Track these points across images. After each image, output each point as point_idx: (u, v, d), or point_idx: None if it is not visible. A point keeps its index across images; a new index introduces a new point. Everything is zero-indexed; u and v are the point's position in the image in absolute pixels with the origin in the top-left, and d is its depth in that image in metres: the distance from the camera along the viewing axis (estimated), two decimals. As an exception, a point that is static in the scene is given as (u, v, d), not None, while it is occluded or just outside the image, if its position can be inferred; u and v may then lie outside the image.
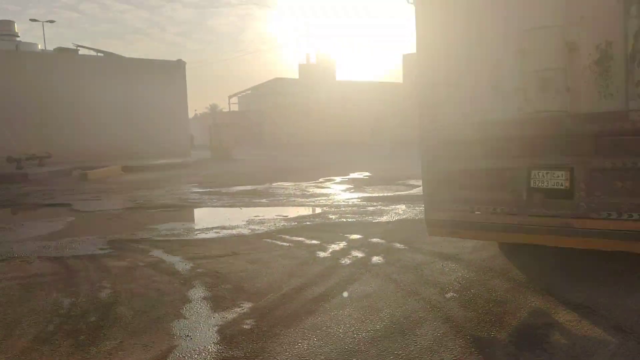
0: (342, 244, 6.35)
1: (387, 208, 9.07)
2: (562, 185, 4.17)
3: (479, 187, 4.62)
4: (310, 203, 10.08)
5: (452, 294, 4.31)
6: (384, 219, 8.04)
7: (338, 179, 14.63)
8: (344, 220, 8.06)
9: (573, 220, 4.10)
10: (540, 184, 4.28)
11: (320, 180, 14.34)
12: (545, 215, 4.25)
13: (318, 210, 9.20)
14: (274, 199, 10.85)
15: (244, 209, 9.87)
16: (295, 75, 64.79)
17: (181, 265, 5.73)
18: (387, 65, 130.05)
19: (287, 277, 5.00)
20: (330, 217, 8.39)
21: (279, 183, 13.89)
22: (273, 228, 7.63)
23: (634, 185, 3.85)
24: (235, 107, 60.75)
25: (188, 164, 20.28)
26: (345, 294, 4.44)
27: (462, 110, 4.69)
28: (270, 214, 8.95)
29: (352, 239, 6.62)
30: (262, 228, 7.66)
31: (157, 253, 6.39)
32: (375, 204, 9.64)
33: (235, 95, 58.74)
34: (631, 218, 3.85)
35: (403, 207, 9.16)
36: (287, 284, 4.80)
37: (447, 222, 4.83)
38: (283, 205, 10.04)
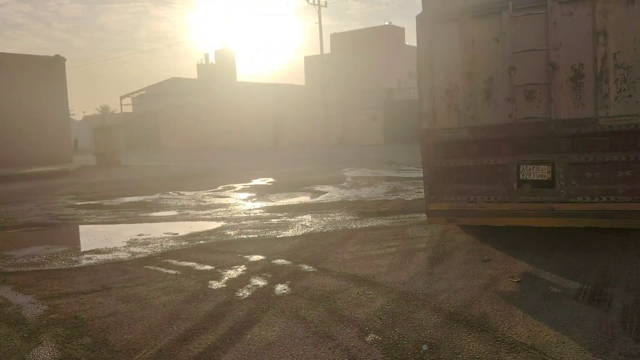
0: (241, 269, 5.39)
1: (293, 219, 8.23)
2: (545, 176, 5.34)
3: (474, 180, 5.66)
4: (207, 216, 8.96)
5: (373, 335, 3.52)
6: (289, 233, 7.18)
7: (239, 186, 13.57)
8: (244, 236, 7.08)
9: (555, 205, 5.32)
10: (527, 176, 5.41)
11: (220, 188, 13.18)
12: (532, 201, 5.42)
13: (215, 225, 8.12)
14: (165, 213, 9.57)
15: (127, 225, 8.52)
16: (193, 76, 62.29)
17: (31, 309, 4.44)
18: (289, 67, 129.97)
19: (169, 322, 3.94)
20: (229, 233, 7.36)
21: (172, 193, 12.53)
22: (159, 250, 6.46)
23: (602, 175, 5.09)
24: (129, 109, 56.92)
25: (68, 172, 18.02)
26: (240, 345, 3.49)
27: (460, 116, 5.69)
28: (157, 232, 7.73)
29: (253, 261, 5.68)
30: (145, 251, 6.46)
31: (3, 291, 5.00)
32: (279, 215, 8.76)
33: (128, 95, 55.01)
34: (601, 201, 5.11)
35: (309, 217, 8.37)
36: (167, 332, 3.75)
37: (446, 211, 5.92)
38: (174, 220, 8.82)
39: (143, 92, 54.52)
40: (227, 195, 11.79)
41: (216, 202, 10.61)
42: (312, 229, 7.42)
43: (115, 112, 62.68)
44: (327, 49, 48.70)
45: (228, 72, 62.63)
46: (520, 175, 5.49)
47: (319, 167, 19.25)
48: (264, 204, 10.24)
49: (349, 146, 37.81)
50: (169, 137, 47.97)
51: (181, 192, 12.57)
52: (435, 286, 4.50)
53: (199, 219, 8.73)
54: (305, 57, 59.07)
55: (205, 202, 10.77)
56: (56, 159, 21.42)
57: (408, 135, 37.19)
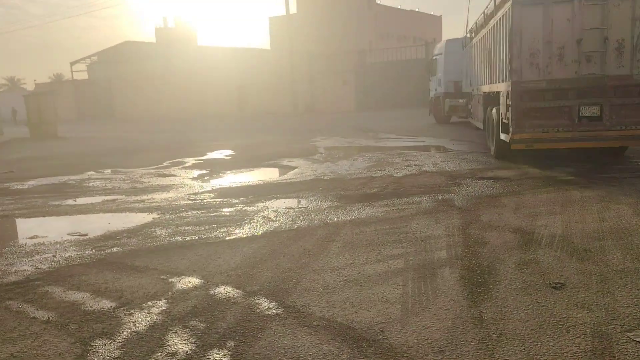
0: (157, 309, 3.26)
1: (252, 208, 6.10)
2: (596, 113, 8.05)
3: (548, 117, 8.15)
4: (137, 205, 6.73)
5: None
6: (244, 232, 5.06)
7: (190, 161, 11.27)
8: (179, 239, 4.92)
9: (602, 132, 8.02)
10: (584, 113, 8.06)
11: (166, 164, 10.87)
12: (587, 130, 8.06)
13: (144, 218, 5.92)
14: (85, 200, 7.27)
15: (23, 221, 6.23)
16: (150, 40, 58.22)
17: None
18: (253, 29, 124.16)
19: None
20: (159, 233, 5.18)
21: (106, 171, 10.16)
22: (46, 266, 4.25)
23: (632, 112, 7.92)
24: (84, 76, 52.63)
25: (-11, 146, 15.26)
26: None
27: (540, 72, 8.16)
28: (60, 231, 5.49)
29: (180, 291, 3.55)
30: (23, 268, 4.24)
31: None
32: (234, 201, 6.61)
33: (78, 61, 50.78)
34: (631, 129, 7.94)
35: (274, 205, 6.26)
36: None
37: (526, 139, 8.22)
38: (92, 211, 6.55)
39: (95, 58, 50.29)
40: (172, 173, 9.51)
41: (156, 184, 8.34)
42: (276, 223, 5.31)
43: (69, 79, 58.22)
44: (293, 9, 45.67)
45: (189, 36, 58.74)
46: (580, 113, 8.09)
47: (287, 136, 17.03)
48: (216, 185, 8.04)
49: (318, 114, 35.53)
50: (125, 106, 44.61)
51: (118, 170, 10.22)
52: (505, 356, 2.48)
53: (125, 209, 6.49)
54: (270, 18, 55.76)
55: (142, 183, 8.49)
56: (-19, 131, 18.47)
57: (385, 100, 35.08)
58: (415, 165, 9.20)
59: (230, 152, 12.92)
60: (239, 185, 8.01)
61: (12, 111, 30.69)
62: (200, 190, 7.58)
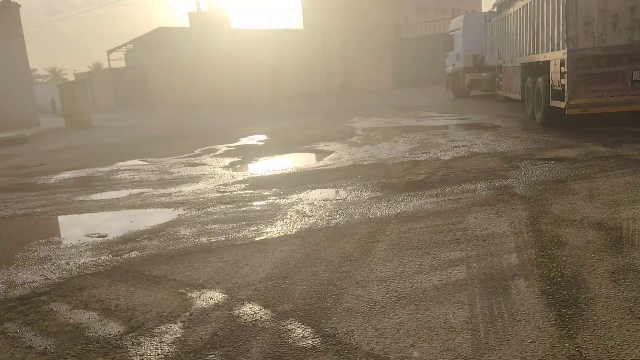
0: (171, 334, 2.72)
1: (285, 201, 5.52)
2: None
3: (602, 82, 8.52)
4: (163, 199, 6.25)
5: None
6: (276, 230, 4.48)
7: (222, 148, 10.78)
8: (204, 240, 4.39)
9: None
10: (637, 78, 8.41)
11: (197, 152, 10.42)
12: None
13: (168, 215, 5.43)
14: (110, 195, 6.86)
15: (41, 220, 5.85)
16: (184, 26, 58.22)
17: None
18: (284, 9, 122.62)
19: None
20: (182, 233, 4.67)
21: (134, 162, 9.79)
22: (56, 276, 3.79)
23: None
24: (121, 64, 53.22)
25: (25, 138, 15.23)
26: None
27: (595, 40, 8.50)
28: (78, 232, 5.07)
29: (199, 310, 3.00)
30: (32, 278, 3.79)
31: None
32: (266, 193, 6.04)
33: (115, 49, 51.29)
34: None
35: (309, 196, 5.65)
36: None
37: (581, 104, 8.57)
38: (116, 207, 6.11)
39: (130, 45, 50.69)
40: (203, 162, 9.02)
41: (185, 174, 7.87)
42: (312, 220, 4.71)
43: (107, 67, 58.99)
44: (325, -13, 44.48)
45: (222, 19, 58.46)
46: (633, 77, 8.47)
47: (322, 118, 16.36)
48: (248, 175, 7.49)
49: (354, 93, 34.59)
50: (160, 92, 44.81)
51: (148, 160, 9.84)
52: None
53: (151, 204, 6.02)
54: (303, -2, 54.63)
55: (171, 174, 8.04)
56: (18, 123, 18.58)
57: (422, 77, 33.77)
58: (463, 146, 8.39)
59: (263, 137, 12.37)
60: (272, 173, 7.43)
61: (51, 101, 31.21)
62: (231, 181, 7.05)
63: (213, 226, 4.79)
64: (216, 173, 7.82)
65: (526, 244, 3.59)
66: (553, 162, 6.52)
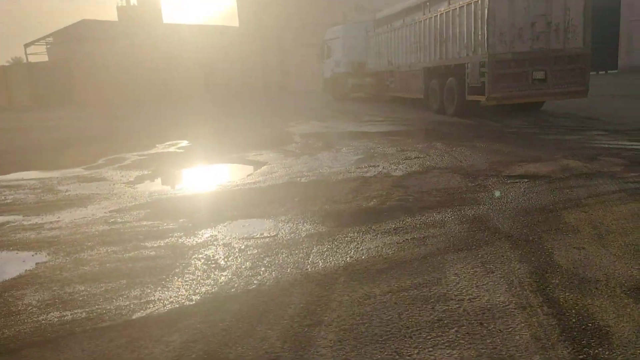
0: None
1: (193, 240, 4.05)
2: (542, 77, 10.89)
3: (511, 80, 10.84)
4: (29, 234, 4.57)
5: None
6: (170, 298, 3.01)
7: (132, 157, 9.06)
8: (54, 317, 2.84)
9: (547, 90, 11.00)
10: (535, 77, 10.84)
11: (100, 162, 8.64)
12: (538, 89, 10.93)
13: (23, 262, 3.80)
14: (-41, 225, 5.07)
15: None
16: (112, 19, 54.49)
17: None
18: (218, 5, 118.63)
19: None
20: (26, 300, 3.08)
21: (17, 175, 7.90)
22: None
23: (564, 74, 11.11)
24: (44, 58, 48.78)
25: None
26: None
27: (507, 46, 10.79)
28: None
29: None
30: None
31: None
32: (170, 225, 4.54)
33: (33, 43, 47.00)
34: (563, 87, 11.14)
35: (225, 235, 4.20)
36: None
37: (498, 97, 10.94)
38: (-45, 247, 4.38)
39: (50, 39, 46.63)
40: (102, 176, 7.31)
41: (74, 194, 6.17)
42: (225, 277, 3.27)
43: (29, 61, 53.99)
44: (262, -17, 42.76)
45: (153, 14, 55.27)
46: (533, 77, 10.98)
47: (257, 121, 14.87)
48: (155, 195, 5.91)
49: (292, 93, 33.19)
50: (85, 90, 41.34)
51: (33, 174, 7.99)
52: None
53: (8, 244, 4.34)
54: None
55: (56, 193, 6.30)
56: None
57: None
58: (415, 157, 7.22)
59: (186, 142, 10.72)
60: (185, 194, 5.90)
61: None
62: (130, 205, 5.46)
63: (77, 288, 3.24)
64: (115, 192, 6.18)
65: (547, 333, 2.34)
66: (526, 180, 5.43)
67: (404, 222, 4.18)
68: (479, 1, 10.94)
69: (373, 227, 4.10)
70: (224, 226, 4.44)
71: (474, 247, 3.52)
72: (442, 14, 12.76)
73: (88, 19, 46.24)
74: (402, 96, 16.57)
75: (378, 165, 6.81)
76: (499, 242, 3.58)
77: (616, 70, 26.60)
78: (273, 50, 35.20)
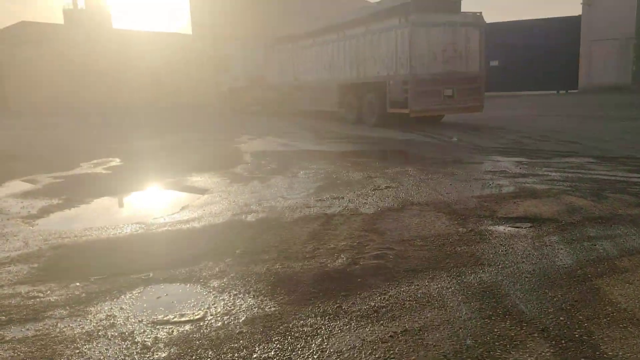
0: None
1: (76, 327, 2.69)
2: (450, 94, 13.06)
3: (428, 96, 12.60)
4: None
5: None
6: None
7: (45, 180, 7.48)
8: None
9: (454, 105, 13.23)
10: (446, 94, 13.00)
11: (2, 187, 7.04)
12: (448, 104, 13.06)
13: None
14: None
15: None
16: (58, 23, 51.41)
17: None
18: (174, 11, 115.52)
19: None
20: None
21: None
22: None
23: (467, 92, 13.24)
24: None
25: None
26: None
27: (424, 68, 12.59)
28: None
29: None
30: None
31: None
32: (52, 290, 3.14)
33: (-35, 44, 43.48)
34: (467, 103, 13.33)
35: (140, 306, 2.86)
36: None
37: (419, 110, 12.62)
38: None
39: (-14, 40, 43.30)
40: (-5, 207, 5.76)
41: (-59, 236, 4.63)
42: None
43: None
44: (218, -9, 41.26)
45: (101, 19, 52.66)
46: (444, 93, 12.81)
47: (205, 135, 13.43)
48: (50, 240, 4.45)
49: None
50: (21, 96, 38.45)
51: None
52: None
53: None
54: (191, 0, 50.81)
55: None
56: None
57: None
58: (385, 187, 6.06)
59: (116, 161, 9.18)
60: (93, 239, 4.48)
61: None
62: (13, 255, 4.00)
63: None
64: (4, 232, 4.68)
65: None
66: (529, 225, 4.34)
67: (386, 298, 2.96)
68: (400, 29, 12.67)
69: (344, 307, 2.86)
70: (132, 297, 3.10)
71: (498, 350, 2.33)
72: (360, 37, 14.38)
73: (27, 21, 43.32)
74: (317, 109, 17.66)
75: (342, 197, 5.60)
76: (533, 343, 2.41)
77: (576, 90, 26.75)
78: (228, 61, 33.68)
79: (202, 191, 6.31)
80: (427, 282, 3.18)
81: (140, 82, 36.19)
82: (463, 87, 12.98)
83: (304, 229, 4.44)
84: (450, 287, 3.09)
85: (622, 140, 9.59)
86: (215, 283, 3.30)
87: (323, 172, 7.28)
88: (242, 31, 39.56)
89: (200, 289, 3.23)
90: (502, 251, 3.72)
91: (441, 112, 13.51)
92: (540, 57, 26.23)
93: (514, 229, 4.30)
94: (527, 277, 3.22)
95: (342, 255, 3.68)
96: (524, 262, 3.49)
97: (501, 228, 4.32)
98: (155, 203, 6.06)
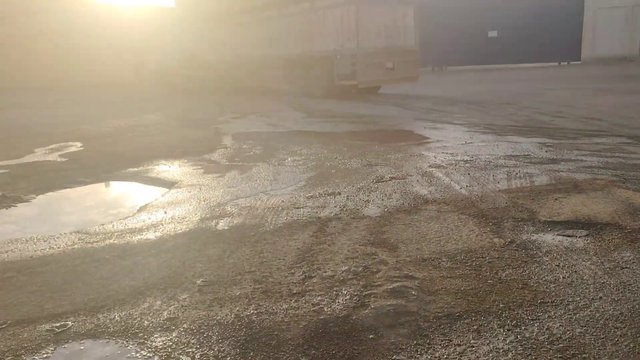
0: None
1: None
2: (392, 66, 14.48)
3: (372, 68, 13.81)
4: None
5: None
6: None
7: (-13, 169, 6.33)
8: None
9: (395, 76, 14.69)
10: (387, 66, 14.26)
11: None
12: (389, 76, 14.47)
13: None
14: None
15: None
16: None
17: None
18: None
19: None
20: None
21: None
22: None
23: (406, 65, 14.85)
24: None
25: None
26: None
27: (370, 42, 13.70)
28: None
29: None
30: None
31: None
32: None
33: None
34: (407, 74, 15.10)
35: None
36: None
37: (366, 81, 13.96)
38: None
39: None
40: None
41: None
42: None
43: None
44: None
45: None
46: (385, 66, 14.14)
47: (183, 114, 12.22)
48: (-46, 261, 3.35)
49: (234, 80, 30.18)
50: (-4, 72, 36.57)
51: None
52: None
53: None
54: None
55: None
56: None
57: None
58: (390, 178, 5.01)
59: (77, 145, 8.00)
60: (10, 258, 3.38)
61: None
62: None
63: None
64: None
65: None
66: (584, 233, 3.33)
67: (416, 375, 1.91)
68: (347, 6, 13.50)
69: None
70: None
71: None
72: (305, 13, 14.97)
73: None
74: (254, 86, 18.19)
75: (339, 193, 4.53)
76: None
77: (579, 62, 25.63)
78: (210, 35, 32.05)
79: (168, 184, 5.21)
80: (473, 339, 2.15)
81: (122, 58, 34.44)
82: (401, 59, 14.36)
83: (290, 242, 3.38)
84: (510, 350, 2.06)
85: (649, 116, 8.56)
86: (158, 341, 2.24)
87: (314, 158, 6.19)
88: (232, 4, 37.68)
89: (136, 352, 2.17)
90: (563, 278, 2.69)
91: (384, 82, 14.74)
92: (542, 26, 25.01)
93: (566, 238, 3.27)
94: (616, 329, 2.19)
95: (343, 291, 2.62)
96: (601, 298, 2.47)
97: (549, 238, 3.29)
98: (108, 201, 4.95)
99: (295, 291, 2.64)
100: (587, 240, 3.23)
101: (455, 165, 5.45)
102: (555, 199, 4.08)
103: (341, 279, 2.76)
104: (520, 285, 2.63)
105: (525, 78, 20.14)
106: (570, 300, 2.46)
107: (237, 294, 2.65)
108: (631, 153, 5.67)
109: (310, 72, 15.28)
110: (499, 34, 26.28)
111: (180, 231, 3.72)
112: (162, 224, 3.90)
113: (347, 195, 4.45)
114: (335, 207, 4.14)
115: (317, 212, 4.01)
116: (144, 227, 3.85)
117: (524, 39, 25.71)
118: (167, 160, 6.43)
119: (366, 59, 13.55)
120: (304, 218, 3.89)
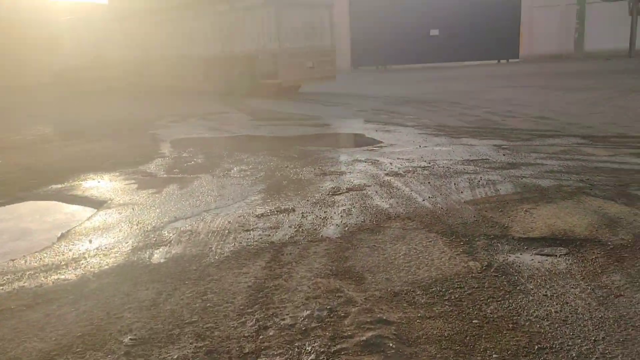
0: None
1: None
2: (312, 65, 14.62)
3: (294, 67, 14.21)
4: None
5: None
6: None
7: None
8: None
9: (310, 76, 14.85)
10: (307, 65, 14.61)
11: None
12: (306, 75, 14.71)
13: None
14: None
15: None
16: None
17: None
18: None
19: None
20: None
21: None
22: None
23: (324, 66, 15.16)
24: None
25: None
26: None
27: (290, 43, 14.11)
28: None
29: None
30: None
31: None
32: None
33: None
34: (322, 72, 15.33)
35: None
36: None
37: (289, 80, 14.30)
38: None
39: None
40: None
41: None
42: None
43: None
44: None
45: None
46: (306, 65, 14.41)
47: (118, 118, 11.32)
48: None
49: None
50: None
51: None
52: None
53: None
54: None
55: None
56: None
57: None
58: (347, 189, 4.60)
59: (-8, 159, 7.10)
60: None
61: None
62: None
63: None
64: None
65: None
66: (564, 252, 3.04)
67: None
68: (266, 8, 13.89)
69: None
70: None
71: None
72: (224, 14, 15.20)
73: None
74: (170, 85, 17.93)
75: (293, 210, 4.07)
76: None
77: (517, 60, 26.35)
78: (143, 34, 30.64)
79: (96, 204, 4.57)
80: (470, 409, 1.74)
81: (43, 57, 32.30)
82: (320, 59, 14.75)
83: (239, 277, 2.88)
84: None
85: (596, 114, 8.63)
86: None
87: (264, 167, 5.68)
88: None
89: None
90: (556, 313, 2.35)
91: (305, 81, 15.05)
92: (481, 25, 25.52)
93: (546, 259, 2.97)
94: (632, 382, 1.85)
95: (307, 347, 2.16)
96: (604, 339, 2.14)
97: (528, 259, 2.98)
98: (23, 228, 4.24)
99: (247, 349, 2.15)
100: (569, 260, 2.94)
101: (414, 173, 5.11)
102: (526, 211, 3.79)
103: (303, 328, 2.29)
104: (510, 325, 2.27)
105: (467, 76, 20.39)
106: (570, 343, 2.11)
107: (175, 357, 2.13)
108: (590, 155, 5.54)
109: (232, 72, 15.57)
110: (440, 32, 26.62)
111: (106, 267, 3.14)
112: (86, 258, 3.30)
113: (302, 212, 3.99)
114: (289, 227, 3.67)
115: (269, 236, 3.53)
116: (63, 263, 3.23)
117: (464, 37, 26.17)
118: (96, 174, 5.73)
119: (288, 59, 13.95)
120: (254, 243, 3.40)
